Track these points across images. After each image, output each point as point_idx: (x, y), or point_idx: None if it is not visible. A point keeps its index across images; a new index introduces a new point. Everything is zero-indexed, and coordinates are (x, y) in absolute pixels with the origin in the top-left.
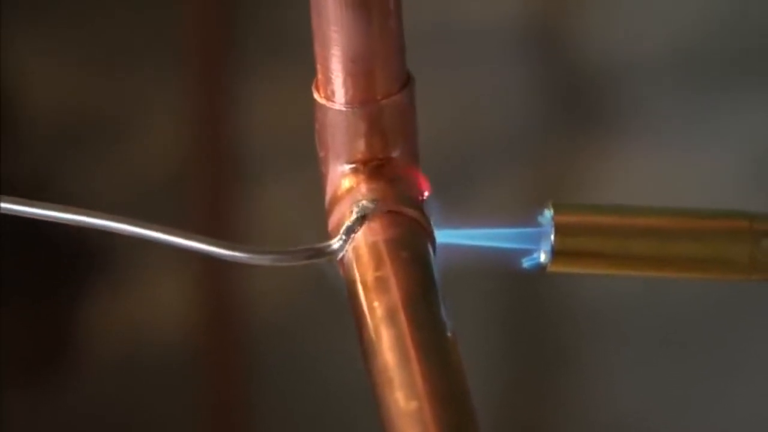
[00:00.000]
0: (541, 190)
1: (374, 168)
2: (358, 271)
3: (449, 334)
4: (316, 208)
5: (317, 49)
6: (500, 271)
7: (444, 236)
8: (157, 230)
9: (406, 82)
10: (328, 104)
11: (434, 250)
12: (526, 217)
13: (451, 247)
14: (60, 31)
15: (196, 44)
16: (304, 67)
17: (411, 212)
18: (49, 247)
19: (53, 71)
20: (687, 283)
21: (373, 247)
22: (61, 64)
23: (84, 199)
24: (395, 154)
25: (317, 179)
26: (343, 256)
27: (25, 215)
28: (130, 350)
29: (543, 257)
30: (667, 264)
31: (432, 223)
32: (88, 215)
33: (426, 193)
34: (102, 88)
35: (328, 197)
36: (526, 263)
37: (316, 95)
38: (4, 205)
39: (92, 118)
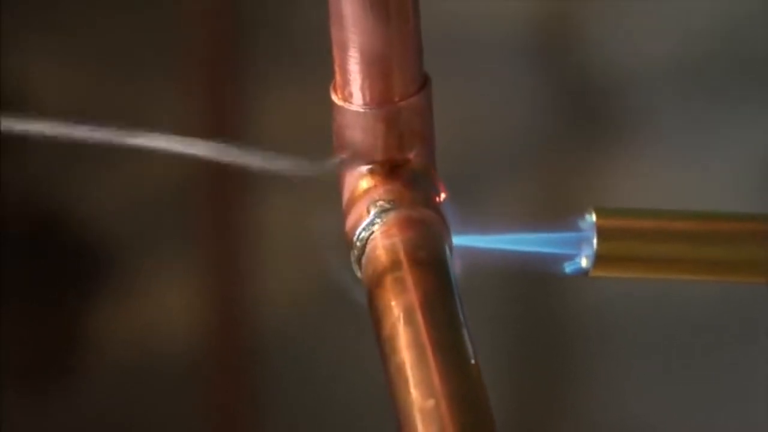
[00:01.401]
0: (548, 198)
1: (391, 169)
2: (376, 272)
3: (466, 333)
4: (325, 214)
5: (335, 51)
6: (510, 276)
7: (484, 241)
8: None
9: (424, 83)
10: (346, 106)
11: (451, 251)
12: (554, 222)
13: (487, 252)
14: (64, 37)
15: (201, 49)
16: (312, 71)
17: (428, 213)
18: (56, 253)
19: (57, 76)
20: (697, 288)
21: (391, 248)
22: (64, 70)
23: (87, 205)
24: (412, 155)
25: (326, 184)
26: (361, 256)
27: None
28: (137, 356)
29: (585, 262)
30: (708, 268)
31: (457, 226)
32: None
33: (443, 195)
34: (106, 94)
35: (345, 198)
36: (567, 268)
37: (333, 97)
38: None
39: (96, 123)
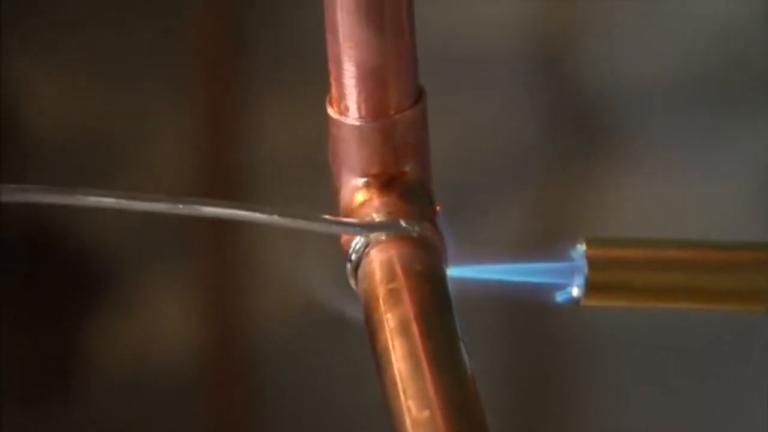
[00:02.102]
0: (545, 211)
1: (387, 182)
2: (371, 284)
3: (461, 346)
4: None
5: (331, 64)
6: (508, 295)
7: (473, 272)
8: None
9: (419, 97)
10: (342, 119)
11: (446, 264)
12: (547, 249)
13: (478, 282)
14: (64, 45)
15: (203, 58)
16: (313, 80)
17: (423, 225)
18: (55, 266)
19: (57, 87)
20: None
21: (386, 261)
22: (64, 80)
23: (85, 218)
24: (408, 168)
25: (326, 195)
26: (357, 269)
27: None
28: (135, 369)
29: (576, 292)
30: (699, 296)
31: (449, 242)
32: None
33: (438, 208)
34: (107, 104)
35: (341, 211)
36: (559, 298)
37: (329, 110)
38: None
39: (97, 134)
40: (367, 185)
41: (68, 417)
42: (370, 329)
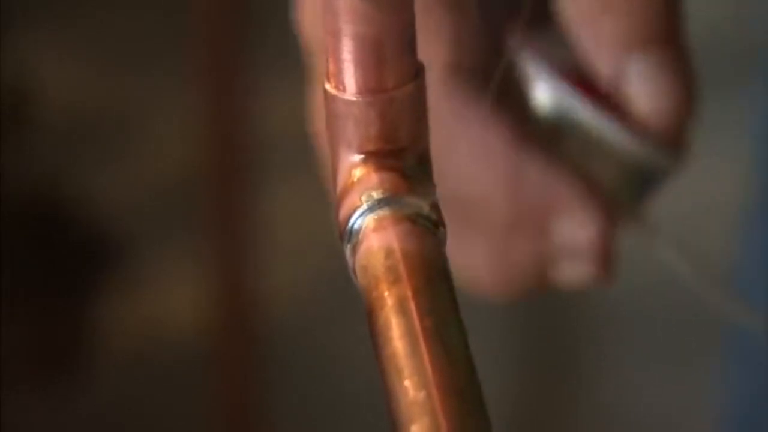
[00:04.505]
0: None
1: (384, 158)
2: (369, 262)
3: (460, 324)
4: (329, 206)
5: (328, 38)
6: None
7: None
8: None
9: (418, 72)
10: (339, 94)
11: (444, 240)
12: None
13: None
14: (71, 30)
15: (208, 41)
16: None
17: (421, 202)
18: (63, 246)
19: (65, 70)
20: None
21: (384, 238)
22: (72, 63)
23: (95, 198)
24: (406, 144)
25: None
26: (354, 247)
27: None
28: (144, 349)
29: None
30: None
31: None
32: None
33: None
34: (114, 87)
35: (338, 188)
36: None
37: (326, 85)
38: None
39: (104, 116)
40: (364, 162)
41: (77, 394)
42: (368, 308)
